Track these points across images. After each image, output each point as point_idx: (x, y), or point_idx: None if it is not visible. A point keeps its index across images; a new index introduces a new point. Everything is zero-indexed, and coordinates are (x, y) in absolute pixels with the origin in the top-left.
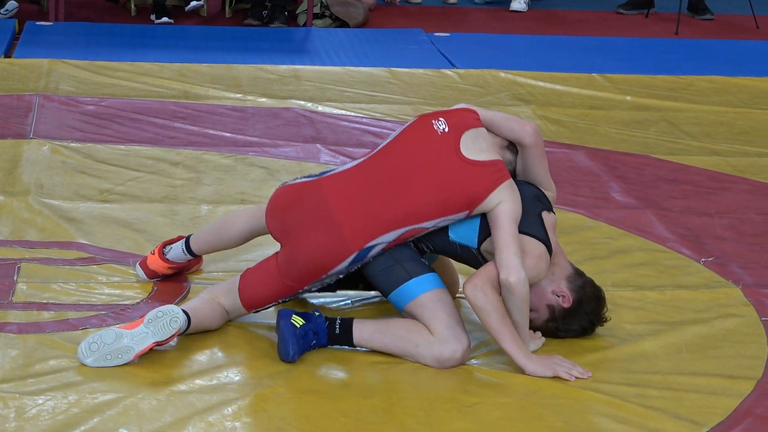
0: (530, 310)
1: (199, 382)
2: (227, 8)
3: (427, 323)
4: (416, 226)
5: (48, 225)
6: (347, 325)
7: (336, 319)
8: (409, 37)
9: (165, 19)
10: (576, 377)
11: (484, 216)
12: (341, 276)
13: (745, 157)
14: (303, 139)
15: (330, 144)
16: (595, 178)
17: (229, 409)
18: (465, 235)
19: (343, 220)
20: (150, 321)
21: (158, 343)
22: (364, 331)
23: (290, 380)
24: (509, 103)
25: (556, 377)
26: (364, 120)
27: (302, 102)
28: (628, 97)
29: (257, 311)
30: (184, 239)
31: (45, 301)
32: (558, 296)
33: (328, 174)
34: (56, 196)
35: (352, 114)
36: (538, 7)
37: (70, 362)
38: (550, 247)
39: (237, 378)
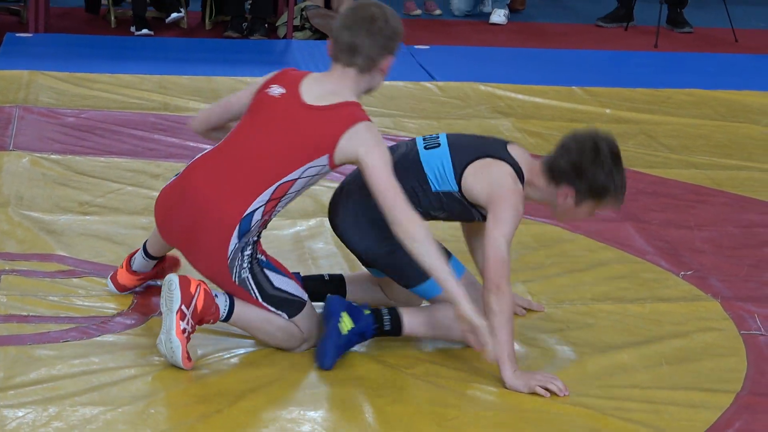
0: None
1: (180, 394)
2: (207, 20)
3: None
4: (282, 180)
5: (28, 237)
6: (396, 320)
7: (383, 316)
8: None
9: (145, 30)
10: (553, 392)
11: (454, 151)
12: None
13: (724, 170)
14: None
15: None
16: None
17: (209, 423)
18: (441, 178)
19: (211, 203)
20: (160, 306)
21: (185, 316)
22: (413, 324)
23: (271, 392)
24: (489, 116)
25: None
26: None
27: None
28: (608, 110)
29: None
30: (142, 245)
31: (25, 314)
32: (566, 198)
33: (188, 166)
34: (36, 208)
35: None
36: (517, 20)
37: (50, 375)
38: (522, 175)
39: (215, 390)
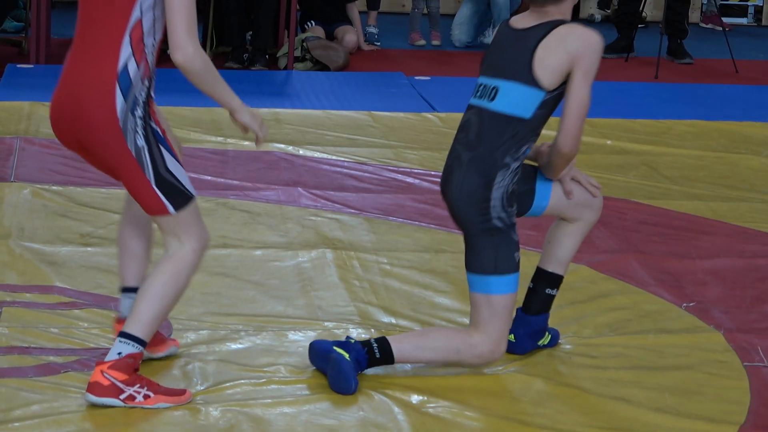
0: None
1: (182, 426)
2: (208, 51)
3: (483, 320)
4: (129, 26)
5: (29, 269)
6: (385, 346)
7: (372, 343)
8: (389, 81)
9: None
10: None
11: (513, 74)
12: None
13: (726, 202)
14: (284, 182)
15: (311, 187)
16: None
17: None
18: (528, 101)
19: (85, 76)
20: None
21: (133, 397)
22: (403, 350)
23: (268, 427)
24: None
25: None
26: (345, 163)
27: (283, 145)
28: (609, 141)
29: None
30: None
31: (27, 345)
32: None
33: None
34: (37, 240)
35: (333, 157)
36: None
37: (52, 407)
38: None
39: (213, 421)
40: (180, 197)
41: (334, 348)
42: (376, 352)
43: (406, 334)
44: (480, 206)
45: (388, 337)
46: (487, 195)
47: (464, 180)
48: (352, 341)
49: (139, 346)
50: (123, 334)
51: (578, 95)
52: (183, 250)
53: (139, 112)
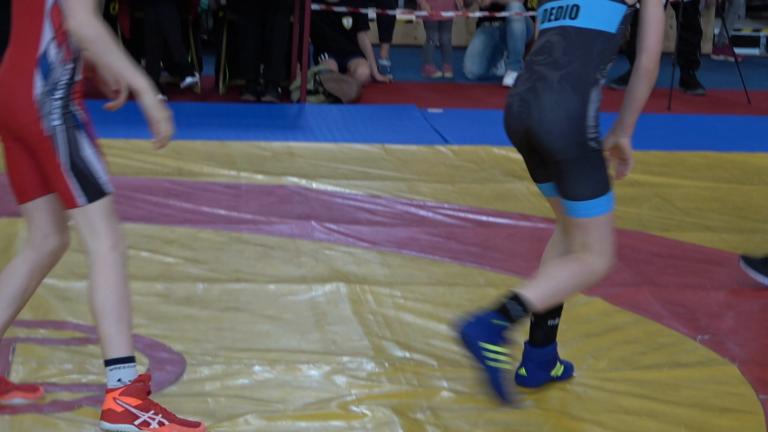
0: None
1: None
2: (221, 85)
3: (595, 242)
4: (47, 6)
5: (42, 304)
6: (523, 311)
7: (509, 310)
8: (402, 114)
9: (159, 96)
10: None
11: None
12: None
13: (739, 234)
14: (297, 216)
15: (324, 221)
16: None
17: None
18: (611, 15)
19: (6, 63)
20: None
21: (148, 423)
22: (541, 301)
23: None
24: (503, 180)
25: None
26: (358, 197)
27: (296, 179)
28: None
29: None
30: None
31: (40, 381)
32: None
33: None
34: (51, 275)
35: (346, 191)
36: None
37: None
38: None
39: None
40: (92, 189)
41: (486, 359)
42: (515, 318)
43: (537, 285)
44: (578, 124)
45: (520, 296)
46: (584, 111)
47: (559, 98)
48: (496, 321)
49: (132, 365)
50: (108, 362)
51: (657, 12)
52: (101, 253)
53: (58, 94)
